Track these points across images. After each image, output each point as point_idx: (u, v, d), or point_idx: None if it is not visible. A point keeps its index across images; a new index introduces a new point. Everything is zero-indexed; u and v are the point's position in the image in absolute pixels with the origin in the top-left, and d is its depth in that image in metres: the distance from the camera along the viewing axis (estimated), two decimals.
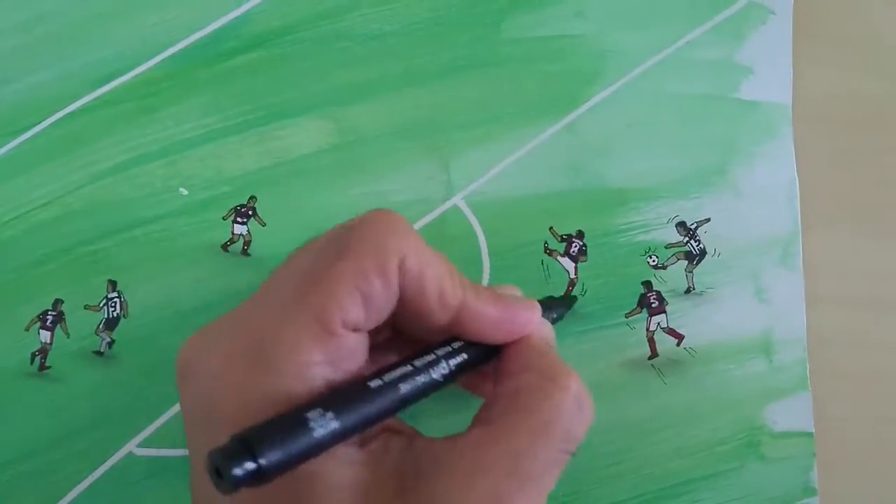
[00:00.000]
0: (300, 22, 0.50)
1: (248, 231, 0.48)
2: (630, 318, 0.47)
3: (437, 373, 0.34)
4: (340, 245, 0.33)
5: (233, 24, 0.50)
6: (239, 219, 0.48)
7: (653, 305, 0.47)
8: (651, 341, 0.47)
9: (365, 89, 0.49)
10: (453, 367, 0.35)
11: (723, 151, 0.49)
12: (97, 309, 0.47)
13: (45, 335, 0.47)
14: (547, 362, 0.35)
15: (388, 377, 0.33)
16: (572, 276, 0.48)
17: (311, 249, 0.35)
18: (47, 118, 0.49)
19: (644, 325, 0.47)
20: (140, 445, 0.45)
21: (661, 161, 0.48)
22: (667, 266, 0.48)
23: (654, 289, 0.47)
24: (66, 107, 0.49)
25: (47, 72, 0.49)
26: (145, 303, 0.47)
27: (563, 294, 0.47)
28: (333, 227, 0.35)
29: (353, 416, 0.31)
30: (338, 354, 0.33)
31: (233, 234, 0.48)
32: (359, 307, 0.33)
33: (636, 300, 0.47)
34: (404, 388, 0.33)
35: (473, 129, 0.49)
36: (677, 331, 0.47)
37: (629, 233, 0.48)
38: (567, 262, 0.48)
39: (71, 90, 0.49)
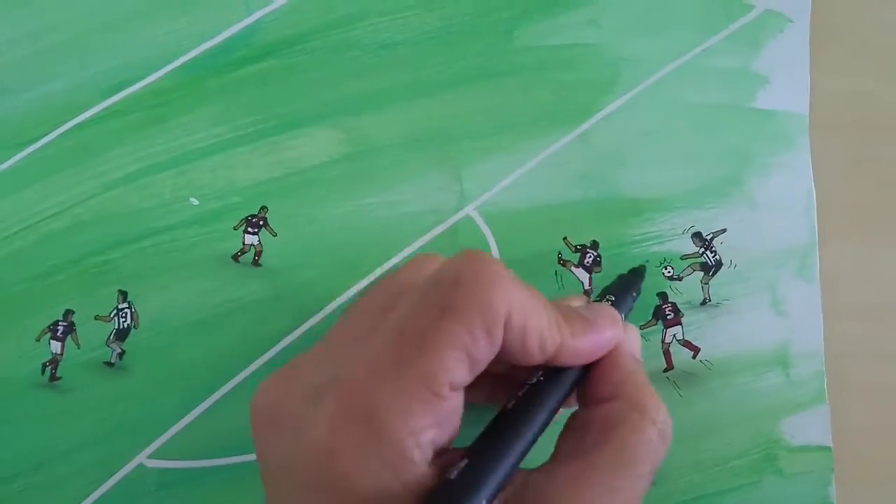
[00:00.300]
0: (310, 31, 0.50)
1: (259, 241, 0.48)
2: (645, 330, 0.46)
3: (548, 407, 0.35)
4: (445, 301, 0.33)
5: (243, 34, 0.50)
6: (250, 229, 0.48)
7: (668, 317, 0.47)
8: (666, 353, 0.46)
9: (376, 99, 0.49)
10: (560, 397, 0.36)
11: (739, 161, 0.48)
12: (108, 319, 0.47)
13: (55, 346, 0.47)
14: (636, 389, 0.35)
15: (515, 428, 0.34)
16: (587, 286, 0.47)
17: (408, 303, 0.34)
18: (57, 128, 0.49)
19: (659, 336, 0.46)
20: (151, 457, 0.45)
21: (677, 171, 0.48)
22: (682, 277, 0.47)
23: (670, 300, 0.47)
24: (75, 117, 0.49)
25: (57, 82, 0.49)
26: (156, 313, 0.47)
27: (629, 271, 0.45)
28: (428, 278, 0.34)
29: (498, 478, 0.32)
30: (444, 416, 0.32)
31: (244, 244, 0.48)
32: (465, 369, 0.32)
33: (651, 312, 0.47)
34: (530, 432, 0.34)
35: (485, 139, 0.48)
36: (693, 343, 0.46)
37: (644, 243, 0.47)
38: (581, 273, 0.47)
39: (81, 100, 0.49)
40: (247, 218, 0.48)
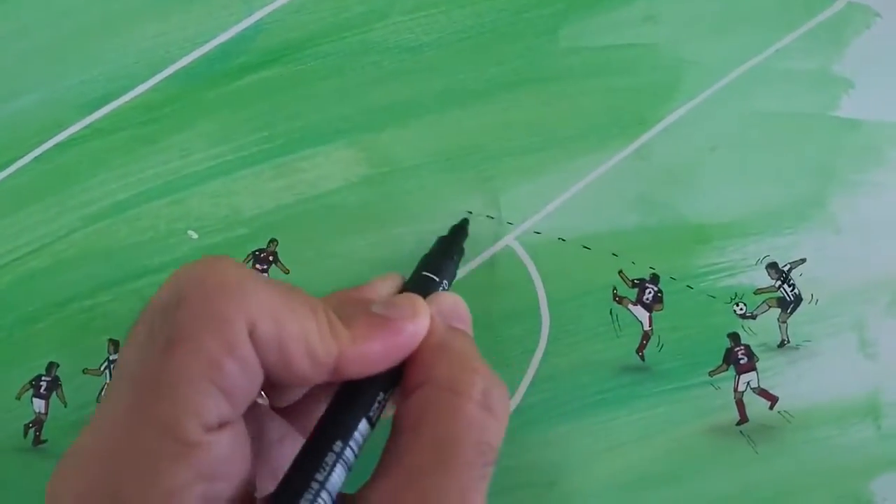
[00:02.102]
0: (321, 33, 0.43)
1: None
2: (715, 377, 0.41)
3: (347, 433, 0.30)
4: (170, 330, 0.27)
5: (243, 37, 0.43)
6: (258, 265, 0.42)
7: (741, 362, 0.41)
8: (739, 404, 0.41)
9: (399, 111, 0.42)
10: (364, 415, 0.31)
11: (820, 179, 0.42)
12: (98, 373, 0.41)
13: (38, 404, 0.41)
14: (444, 366, 0.31)
15: (314, 464, 0.29)
16: (646, 327, 0.41)
17: (133, 340, 0.28)
18: (31, 151, 0.42)
19: (731, 384, 0.41)
20: None
21: (749, 191, 0.42)
22: (756, 315, 0.41)
23: (742, 342, 0.41)
24: (51, 137, 0.42)
25: (29, 96, 0.42)
26: None
27: (449, 230, 0.40)
28: (150, 303, 0.28)
29: None
30: (211, 465, 0.27)
31: None
32: (220, 403, 0.27)
33: (721, 356, 0.41)
34: (330, 467, 0.29)
35: (527, 157, 0.42)
36: (770, 392, 0.41)
37: (712, 276, 0.41)
38: (640, 312, 0.41)
39: (57, 117, 0.42)
40: (254, 253, 0.42)
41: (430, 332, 0.32)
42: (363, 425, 0.31)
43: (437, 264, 0.37)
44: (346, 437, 0.30)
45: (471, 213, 0.41)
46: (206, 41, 0.43)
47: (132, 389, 0.27)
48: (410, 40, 0.43)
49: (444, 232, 0.41)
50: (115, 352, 0.41)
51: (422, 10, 0.43)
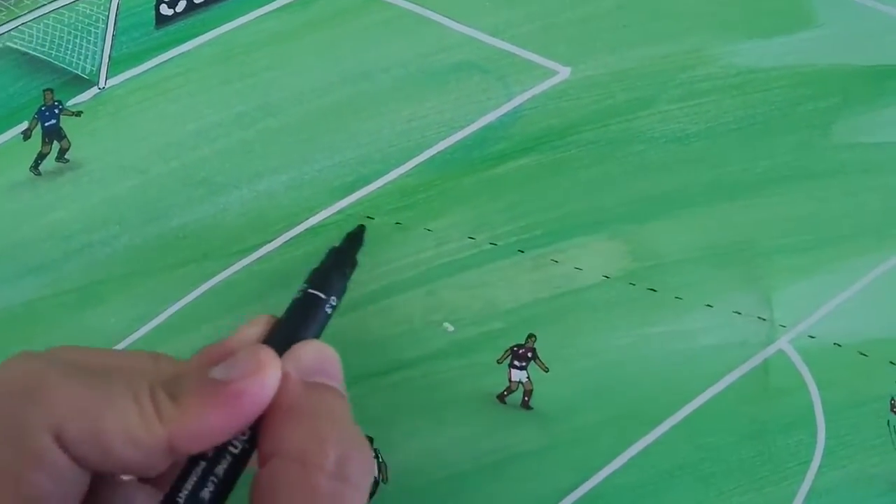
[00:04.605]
0: (583, 120, 0.41)
1: (528, 378, 0.40)
2: None
3: None
4: None
5: (501, 122, 0.41)
6: (516, 362, 0.40)
7: None
8: None
9: (664, 203, 0.40)
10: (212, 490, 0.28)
11: None
12: None
13: None
14: (295, 434, 0.28)
15: None
16: None
17: None
18: (278, 236, 0.40)
19: None
20: None
21: None
22: None
23: None
24: (301, 222, 0.41)
25: (276, 178, 0.41)
26: (407, 464, 0.39)
27: (344, 238, 0.35)
28: None
29: None
30: None
31: (510, 381, 0.40)
32: None
33: None
34: None
35: (800, 255, 0.40)
36: None
37: None
38: None
39: (306, 201, 0.41)
40: (512, 349, 0.40)
41: (282, 392, 0.29)
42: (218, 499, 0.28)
43: (323, 279, 0.33)
44: None
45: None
46: (464, 126, 0.41)
47: None
48: (677, 130, 0.41)
49: (712, 334, 0.39)
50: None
51: (690, 100, 0.41)
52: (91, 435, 0.26)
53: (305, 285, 0.32)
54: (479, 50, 0.42)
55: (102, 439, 0.27)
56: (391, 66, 0.42)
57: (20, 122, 0.42)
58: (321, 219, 0.41)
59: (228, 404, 0.28)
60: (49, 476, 0.26)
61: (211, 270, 0.40)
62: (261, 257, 0.40)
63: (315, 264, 0.33)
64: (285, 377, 0.29)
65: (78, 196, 0.41)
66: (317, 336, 0.32)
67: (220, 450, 0.28)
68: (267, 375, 0.28)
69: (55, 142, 0.42)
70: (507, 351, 0.40)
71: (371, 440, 0.40)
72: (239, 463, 0.29)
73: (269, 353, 0.29)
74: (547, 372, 0.40)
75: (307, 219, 0.41)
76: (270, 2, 0.42)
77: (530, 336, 0.40)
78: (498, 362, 0.40)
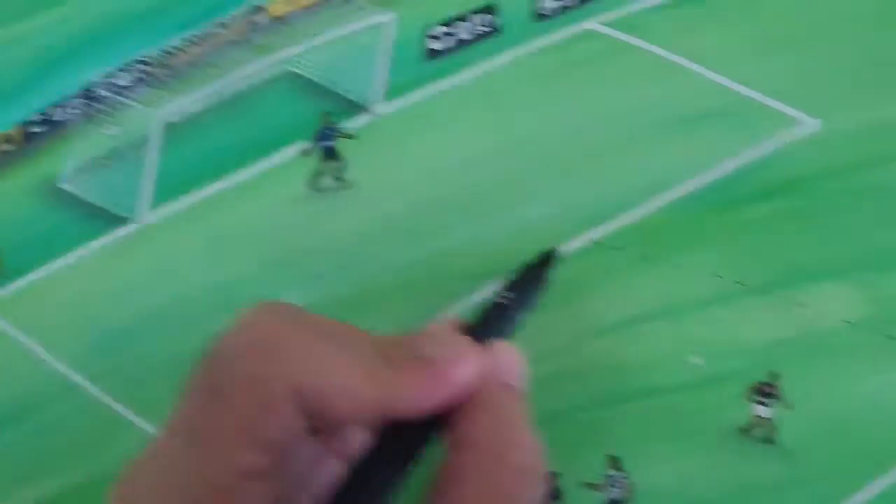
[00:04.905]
0: (830, 171, 0.44)
1: (772, 414, 0.42)
2: None
3: (381, 478, 0.31)
4: (212, 381, 0.30)
5: (750, 167, 0.45)
6: (761, 399, 0.42)
7: None
8: None
9: None
10: (401, 459, 0.31)
11: None
12: (600, 488, 0.42)
13: None
14: (490, 429, 0.31)
15: None
16: None
17: (187, 392, 0.31)
18: None
19: None
20: None
21: None
22: None
23: None
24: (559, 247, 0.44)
25: (534, 207, 0.45)
26: (653, 488, 0.43)
27: (537, 258, 0.37)
28: (204, 354, 0.30)
29: None
30: None
31: (754, 416, 0.42)
32: (255, 453, 0.29)
33: None
34: None
35: None
36: None
37: None
38: None
39: (561, 231, 0.45)
40: (756, 385, 0.42)
41: (480, 388, 0.32)
42: (403, 471, 0.31)
43: (518, 289, 0.36)
44: (386, 487, 0.30)
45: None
46: (713, 169, 0.44)
47: (170, 436, 0.30)
48: None
49: None
50: (614, 467, 0.42)
51: None
52: (318, 391, 0.30)
53: (502, 292, 0.36)
54: (731, 98, 0.45)
55: (327, 396, 0.30)
56: (646, 108, 0.45)
57: (300, 141, 0.46)
58: (574, 248, 0.44)
59: (434, 380, 0.31)
60: (281, 424, 0.30)
61: (473, 290, 0.44)
62: None
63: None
64: (484, 373, 0.33)
65: (351, 213, 0.46)
66: (508, 339, 0.35)
67: (413, 426, 0.32)
68: (469, 363, 0.32)
69: (331, 161, 0.46)
70: (752, 387, 0.42)
71: (619, 461, 0.43)
72: (424, 442, 0.32)
73: (472, 346, 0.33)
74: (791, 410, 0.42)
75: (564, 243, 0.44)
76: (532, 43, 0.45)
77: (774, 374, 0.42)
78: (742, 397, 0.42)
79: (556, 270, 0.39)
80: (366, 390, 0.31)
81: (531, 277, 0.38)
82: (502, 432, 0.32)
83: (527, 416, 0.33)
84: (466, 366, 0.33)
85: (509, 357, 0.34)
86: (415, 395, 0.32)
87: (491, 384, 0.33)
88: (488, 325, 0.35)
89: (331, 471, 0.33)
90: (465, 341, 0.33)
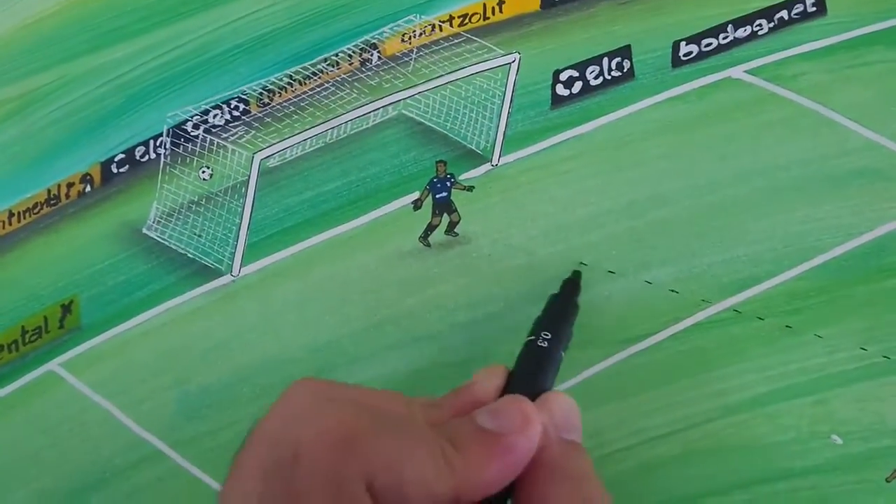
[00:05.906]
0: None
1: None
2: None
3: None
4: (286, 487, 0.28)
5: None
6: None
7: None
8: None
9: None
10: None
11: None
12: None
13: None
14: (561, 492, 0.30)
15: None
16: None
17: (245, 493, 0.29)
18: (666, 328, 0.41)
19: None
20: None
21: None
22: None
23: None
24: (688, 317, 0.41)
25: (663, 269, 0.42)
26: None
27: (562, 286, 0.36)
28: (260, 447, 0.29)
29: None
30: None
31: None
32: None
33: None
34: None
35: None
36: None
37: None
38: None
39: (693, 296, 0.41)
40: None
41: (543, 447, 0.30)
42: None
43: (552, 328, 0.34)
44: None
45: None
46: (862, 233, 0.40)
47: None
48: None
49: None
50: None
51: None
52: (395, 486, 0.29)
53: (536, 335, 0.35)
54: (884, 157, 0.41)
55: (404, 489, 0.29)
56: (789, 164, 0.41)
57: (411, 191, 0.44)
58: (709, 314, 0.41)
59: (503, 456, 0.30)
60: None
61: (593, 358, 0.42)
62: (644, 349, 0.41)
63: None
64: (543, 432, 0.31)
65: (465, 270, 0.43)
66: (552, 387, 0.33)
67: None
68: (534, 429, 0.30)
69: (445, 214, 0.44)
70: None
71: None
72: None
73: (531, 407, 0.31)
74: None
75: (694, 314, 0.41)
76: (665, 91, 0.43)
77: None
78: (887, 480, 0.39)
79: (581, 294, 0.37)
80: (441, 482, 0.30)
81: (562, 311, 0.37)
82: (574, 491, 0.31)
83: (593, 470, 0.31)
84: (533, 432, 0.31)
85: (565, 408, 0.32)
86: (488, 478, 0.30)
87: (552, 442, 0.31)
88: (533, 372, 0.34)
89: None
90: (524, 402, 0.32)
